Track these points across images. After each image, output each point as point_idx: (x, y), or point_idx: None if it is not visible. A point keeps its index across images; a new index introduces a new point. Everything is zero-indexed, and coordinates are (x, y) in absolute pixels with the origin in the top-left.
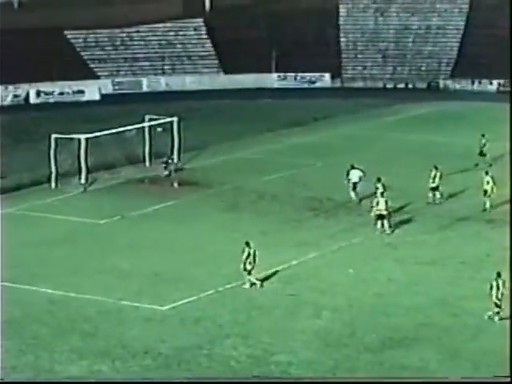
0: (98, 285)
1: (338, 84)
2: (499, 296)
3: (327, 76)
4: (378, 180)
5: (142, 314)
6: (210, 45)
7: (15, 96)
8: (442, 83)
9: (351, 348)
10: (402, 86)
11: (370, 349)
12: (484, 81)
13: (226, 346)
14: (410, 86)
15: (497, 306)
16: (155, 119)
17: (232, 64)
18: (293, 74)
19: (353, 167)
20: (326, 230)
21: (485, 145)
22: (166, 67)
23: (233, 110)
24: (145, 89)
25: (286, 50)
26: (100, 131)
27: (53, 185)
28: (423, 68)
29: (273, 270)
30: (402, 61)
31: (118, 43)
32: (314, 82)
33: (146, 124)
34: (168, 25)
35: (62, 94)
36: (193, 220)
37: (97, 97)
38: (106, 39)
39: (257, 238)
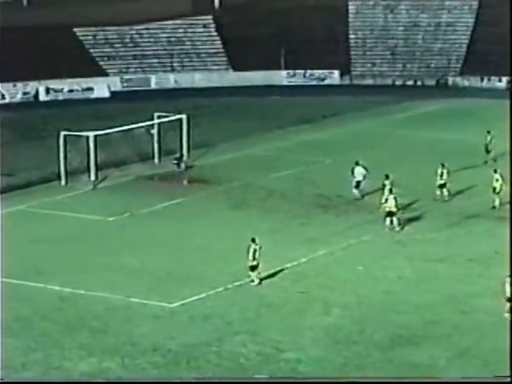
0: (107, 282)
1: (346, 81)
2: None
3: (336, 73)
4: (387, 177)
5: (151, 311)
6: (219, 42)
7: (24, 93)
8: (451, 80)
9: (360, 345)
10: (411, 83)
11: (379, 346)
12: (493, 78)
13: (235, 343)
14: (419, 83)
15: (510, 300)
16: (164, 116)
17: (241, 61)
18: (302, 71)
19: (357, 164)
20: (335, 227)
21: (490, 141)
22: (174, 64)
23: (242, 107)
24: (154, 86)
25: (294, 47)
26: (109, 128)
27: (62, 182)
28: (432, 65)
29: (282, 267)
30: (412, 58)
31: (127, 40)
32: (323, 79)
33: (155, 121)
34: (177, 22)
35: (71, 91)
36: (202, 217)
37: (106, 94)
38: (115, 36)
39: (266, 235)
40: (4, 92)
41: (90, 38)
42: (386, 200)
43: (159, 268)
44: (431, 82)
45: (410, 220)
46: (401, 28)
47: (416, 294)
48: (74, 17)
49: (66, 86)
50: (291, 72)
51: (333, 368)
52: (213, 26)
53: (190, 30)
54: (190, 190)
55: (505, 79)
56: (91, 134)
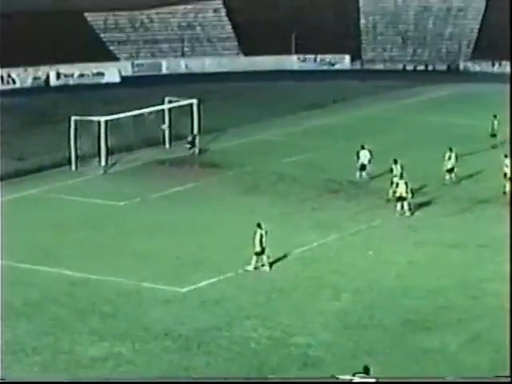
0: (118, 266)
1: (357, 66)
2: None
3: (347, 58)
4: (395, 162)
5: (162, 296)
6: (230, 27)
7: (35, 78)
8: (461, 65)
9: (371, 330)
10: (421, 68)
11: (389, 331)
12: (504, 62)
13: (245, 327)
14: (430, 67)
15: None
16: (175, 101)
17: (251, 46)
18: (312, 56)
19: (362, 147)
20: (346, 212)
21: (497, 126)
22: (185, 49)
23: (252, 92)
24: (164, 71)
25: (305, 32)
26: (120, 113)
27: (73, 167)
28: (443, 50)
29: (292, 252)
30: (422, 43)
31: (137, 25)
32: (333, 64)
33: (165, 106)
34: (188, 7)
35: (81, 76)
36: (213, 202)
37: (116, 79)
38: (125, 21)
39: (276, 220)
40: (15, 77)
41: (101, 22)
42: (397, 185)
43: (170, 253)
44: (442, 67)
45: (421, 205)
46: (412, 13)
47: (426, 279)
48: (84, 2)
49: (77, 71)
50: (302, 57)
51: (343, 353)
52: (223, 10)
53: (200, 15)
54: (200, 174)
55: None
56: (102, 118)
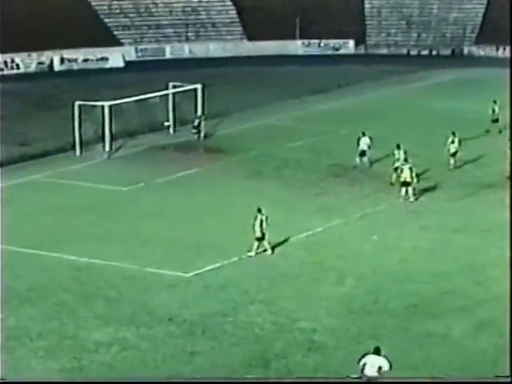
0: (123, 251)
1: (361, 51)
2: None
3: (351, 43)
4: (398, 147)
5: (167, 281)
6: (234, 11)
7: (39, 63)
8: (466, 50)
9: (375, 315)
10: (426, 52)
11: (393, 316)
12: (508, 47)
13: (250, 312)
14: (434, 52)
15: None
16: (179, 86)
17: (256, 31)
18: (317, 41)
19: (363, 134)
20: (351, 197)
21: (497, 111)
22: (189, 34)
23: (257, 76)
24: (168, 56)
25: (309, 17)
26: (124, 98)
27: (77, 152)
28: (448, 34)
29: (297, 237)
30: (427, 27)
31: (141, 10)
32: (337, 49)
33: (170, 91)
34: None
35: (85, 61)
36: (217, 187)
37: (120, 64)
38: (129, 6)
39: (281, 204)
40: (19, 62)
41: (105, 7)
42: (402, 170)
43: (174, 238)
44: (446, 52)
45: (425, 190)
46: None
47: (431, 264)
48: None
49: (81, 56)
50: (306, 42)
51: (347, 338)
52: None
53: (204, 0)
54: (205, 159)
55: None
56: (106, 103)
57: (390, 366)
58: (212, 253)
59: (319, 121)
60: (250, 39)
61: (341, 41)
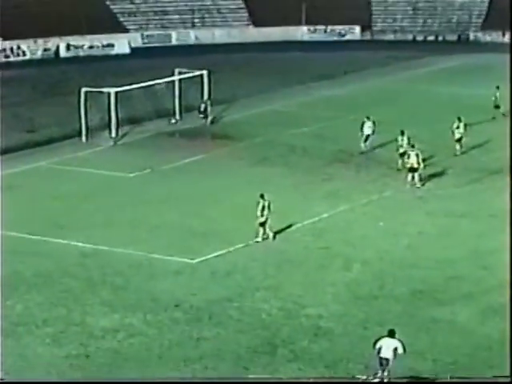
0: (129, 238)
1: (367, 37)
2: None
3: (357, 29)
4: (402, 133)
5: (173, 267)
6: None
7: (45, 50)
8: (472, 35)
9: (381, 301)
10: (432, 38)
11: (400, 301)
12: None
13: (256, 298)
14: (441, 38)
15: None
16: (185, 72)
17: (261, 17)
18: (322, 27)
19: (368, 118)
20: (357, 183)
21: (499, 97)
22: (195, 20)
23: (262, 63)
24: (174, 42)
25: (315, 3)
26: (130, 85)
27: (83, 138)
28: (454, 20)
29: (303, 223)
30: (433, 13)
31: None
32: (343, 35)
33: (175, 77)
34: None
35: (91, 47)
36: (223, 173)
37: (126, 50)
38: None
39: (287, 191)
40: (25, 48)
41: None
42: (409, 156)
43: (181, 224)
44: (452, 38)
45: (431, 175)
46: None
47: (437, 250)
48: None
49: (87, 43)
50: (312, 28)
51: (354, 323)
52: None
53: None
54: (211, 146)
55: None
56: (112, 90)
57: (404, 350)
58: (218, 239)
59: (325, 107)
60: (255, 25)
61: (347, 27)
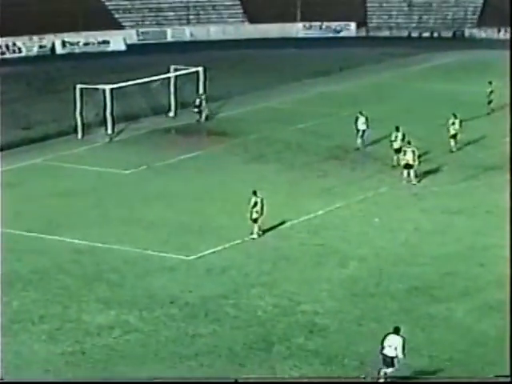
0: (125, 235)
1: (363, 33)
2: None
3: (352, 25)
4: (397, 129)
5: (169, 264)
6: None
7: (41, 46)
8: (467, 32)
9: (377, 297)
10: (427, 34)
11: (396, 298)
12: (510, 29)
13: (252, 295)
14: (436, 34)
15: None
16: (180, 69)
17: (257, 13)
18: (318, 24)
19: (361, 113)
20: (352, 180)
21: (491, 92)
22: (190, 17)
23: (258, 59)
24: (169, 39)
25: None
26: (125, 81)
27: (79, 135)
28: (449, 17)
29: (299, 220)
30: (428, 9)
31: None
32: (339, 32)
33: (171, 74)
34: None
35: (87, 44)
36: (219, 170)
37: (122, 47)
38: None
39: (283, 187)
40: (20, 45)
41: None
42: (405, 152)
43: (176, 221)
44: (448, 34)
45: (427, 172)
46: None
47: (433, 246)
48: None
49: (82, 39)
50: (307, 24)
51: (349, 320)
52: None
53: None
54: (206, 142)
55: None
56: (107, 87)
57: (404, 350)
58: (214, 236)
59: (320, 103)
60: (251, 22)
61: (342, 23)
